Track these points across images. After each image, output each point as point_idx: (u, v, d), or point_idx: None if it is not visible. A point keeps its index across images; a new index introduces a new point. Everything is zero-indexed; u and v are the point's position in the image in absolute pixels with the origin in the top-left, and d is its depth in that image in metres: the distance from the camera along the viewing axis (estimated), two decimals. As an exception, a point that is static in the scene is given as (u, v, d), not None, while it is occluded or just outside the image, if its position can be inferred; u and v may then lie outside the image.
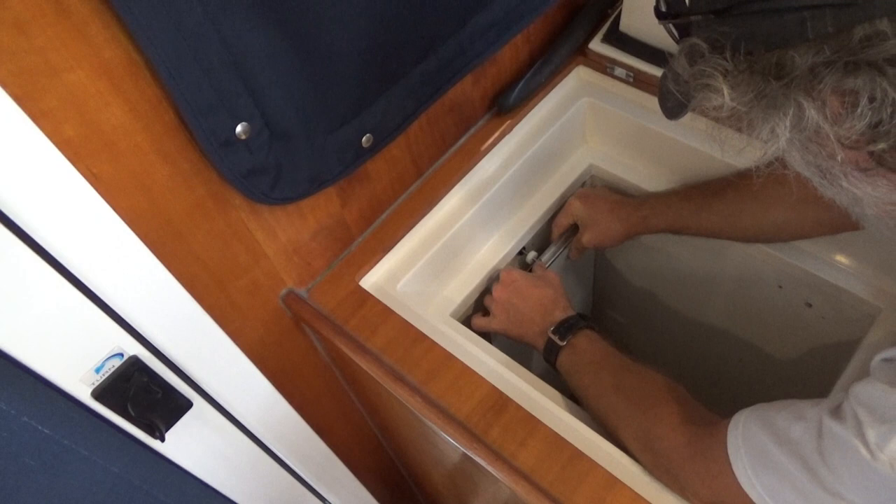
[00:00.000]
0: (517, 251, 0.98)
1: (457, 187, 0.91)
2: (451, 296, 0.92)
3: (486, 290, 0.95)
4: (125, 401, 0.62)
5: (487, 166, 0.93)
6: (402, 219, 0.88)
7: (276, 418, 0.85)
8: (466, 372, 0.74)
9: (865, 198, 0.46)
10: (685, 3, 0.43)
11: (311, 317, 0.82)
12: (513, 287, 0.89)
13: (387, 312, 0.80)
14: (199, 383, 0.70)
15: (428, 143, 0.89)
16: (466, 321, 0.96)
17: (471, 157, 0.92)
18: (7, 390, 0.51)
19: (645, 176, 0.99)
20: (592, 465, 0.66)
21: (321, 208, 0.79)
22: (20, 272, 0.50)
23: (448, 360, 0.75)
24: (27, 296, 0.52)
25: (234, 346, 0.73)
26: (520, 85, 0.93)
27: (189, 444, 0.72)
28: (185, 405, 0.69)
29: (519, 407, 0.71)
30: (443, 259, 0.89)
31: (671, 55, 0.46)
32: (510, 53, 0.93)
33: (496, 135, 0.93)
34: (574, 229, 1.01)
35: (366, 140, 0.74)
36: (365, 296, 0.82)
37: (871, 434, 0.46)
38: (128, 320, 0.60)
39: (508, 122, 0.94)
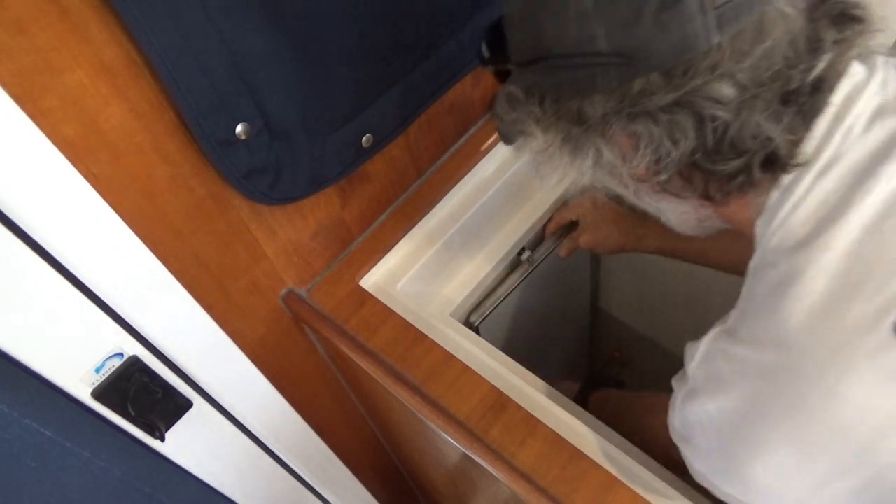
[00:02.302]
0: (517, 251, 0.98)
1: (456, 188, 0.91)
2: (451, 296, 0.92)
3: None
4: (125, 401, 0.62)
5: (487, 167, 0.93)
6: (402, 219, 0.88)
7: (276, 418, 0.85)
8: (466, 372, 0.74)
9: (664, 210, 0.57)
10: (505, 53, 0.50)
11: (311, 317, 0.82)
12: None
13: (387, 312, 0.80)
14: (199, 383, 0.70)
15: (428, 143, 0.89)
16: (466, 321, 0.96)
17: (470, 158, 0.92)
18: (9, 393, 0.51)
19: (645, 176, 0.99)
20: (592, 465, 0.66)
21: (321, 208, 0.79)
22: (20, 272, 0.50)
23: (448, 360, 0.75)
24: (27, 296, 0.52)
25: (234, 346, 0.73)
26: (520, 85, 0.93)
27: (189, 444, 0.72)
28: (185, 405, 0.69)
29: (519, 407, 0.71)
30: (443, 259, 0.89)
31: (495, 97, 0.53)
32: (510, 53, 0.93)
33: (496, 135, 0.93)
34: (570, 227, 1.01)
35: (366, 140, 0.74)
36: (365, 296, 0.82)
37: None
38: (128, 320, 0.60)
39: (508, 122, 0.94)
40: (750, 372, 0.47)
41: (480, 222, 0.92)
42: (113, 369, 0.60)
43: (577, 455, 0.67)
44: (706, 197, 0.50)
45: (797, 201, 0.45)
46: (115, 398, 0.61)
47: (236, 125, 0.60)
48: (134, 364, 0.61)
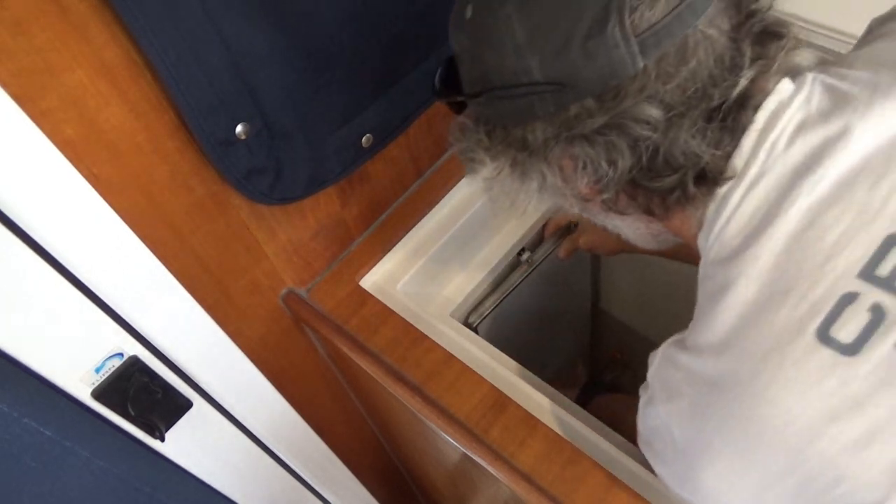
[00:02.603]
0: (517, 252, 0.98)
1: (456, 188, 0.91)
2: (451, 296, 0.92)
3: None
4: (125, 401, 0.62)
5: (487, 166, 0.93)
6: (402, 219, 0.88)
7: (275, 418, 0.85)
8: (466, 372, 0.74)
9: (618, 226, 0.60)
10: (456, 85, 0.52)
11: (311, 317, 0.82)
12: None
13: (387, 312, 0.80)
14: (199, 383, 0.70)
15: (428, 143, 0.89)
16: (465, 321, 0.96)
17: (471, 157, 0.92)
18: (9, 392, 0.51)
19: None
20: (592, 465, 0.66)
21: (321, 208, 0.79)
22: (20, 272, 0.50)
23: (448, 360, 0.75)
24: (27, 296, 0.52)
25: (234, 346, 0.73)
26: (520, 85, 0.93)
27: (189, 444, 0.72)
28: (185, 405, 0.69)
29: (519, 407, 0.71)
30: (443, 259, 0.89)
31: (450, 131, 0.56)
32: (510, 53, 0.92)
33: (496, 135, 0.93)
34: (569, 228, 1.01)
35: (366, 140, 0.74)
36: (365, 296, 0.82)
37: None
38: (128, 320, 0.60)
39: (508, 122, 0.94)
40: (694, 379, 0.49)
41: (480, 223, 0.92)
42: (113, 369, 0.60)
43: (577, 455, 0.67)
44: (649, 212, 0.53)
45: (730, 215, 0.48)
46: (115, 398, 0.61)
47: (236, 125, 0.60)
48: (134, 364, 0.61)
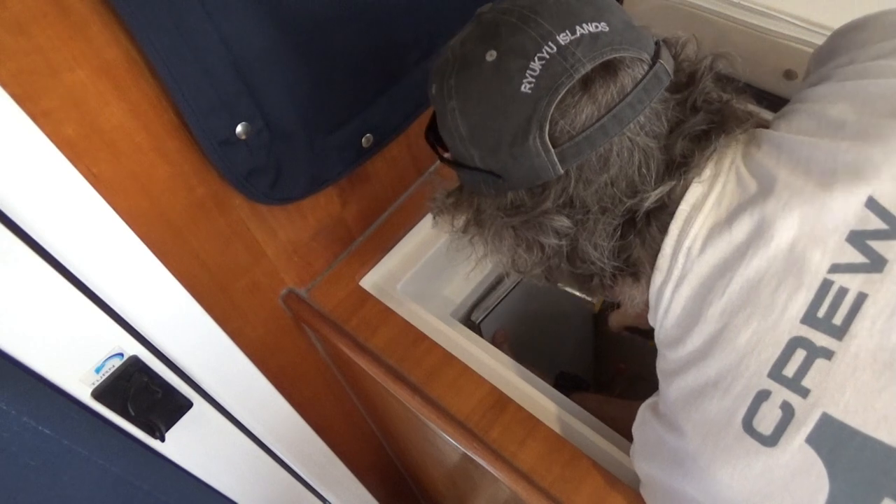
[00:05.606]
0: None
1: (457, 187, 0.91)
2: (451, 296, 0.92)
3: None
4: (125, 401, 0.62)
5: (487, 166, 0.93)
6: (402, 219, 0.88)
7: (276, 418, 0.85)
8: (466, 372, 0.74)
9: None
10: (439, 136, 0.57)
11: (311, 317, 0.82)
12: None
13: (387, 312, 0.80)
14: (199, 383, 0.70)
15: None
16: (466, 321, 0.96)
17: (471, 157, 0.92)
18: (7, 391, 0.51)
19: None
20: (592, 466, 0.66)
21: (321, 208, 0.79)
22: (20, 272, 0.50)
23: (448, 360, 0.75)
24: (27, 296, 0.52)
25: (234, 346, 0.73)
26: (520, 85, 0.93)
27: (189, 444, 0.72)
28: (185, 405, 0.69)
29: (519, 407, 0.71)
30: (443, 259, 0.89)
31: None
32: (510, 53, 0.92)
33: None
34: None
35: (366, 140, 0.74)
36: (365, 296, 0.82)
37: None
38: (128, 320, 0.60)
39: (508, 122, 0.94)
40: (662, 444, 0.53)
41: (480, 222, 0.92)
42: (113, 369, 0.60)
43: (577, 455, 0.67)
44: (581, 286, 0.57)
45: (666, 307, 0.51)
46: (115, 398, 0.61)
47: (236, 125, 0.60)
48: (134, 364, 0.61)
